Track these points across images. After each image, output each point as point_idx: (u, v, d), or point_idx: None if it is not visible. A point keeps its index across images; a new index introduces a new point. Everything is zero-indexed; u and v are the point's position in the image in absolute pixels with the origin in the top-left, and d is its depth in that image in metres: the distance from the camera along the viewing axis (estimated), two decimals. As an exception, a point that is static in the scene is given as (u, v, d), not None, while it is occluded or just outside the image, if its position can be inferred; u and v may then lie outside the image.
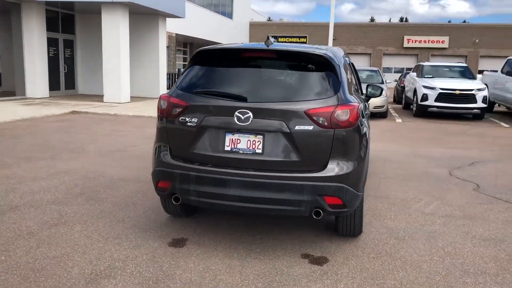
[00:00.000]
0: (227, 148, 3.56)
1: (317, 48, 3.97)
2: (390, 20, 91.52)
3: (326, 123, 3.44)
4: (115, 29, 15.16)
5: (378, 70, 16.19)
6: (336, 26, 43.64)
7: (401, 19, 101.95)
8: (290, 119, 3.44)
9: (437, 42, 42.15)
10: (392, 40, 42.54)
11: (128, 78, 15.97)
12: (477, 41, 41.20)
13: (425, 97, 13.90)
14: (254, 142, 3.52)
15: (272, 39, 3.96)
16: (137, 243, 3.85)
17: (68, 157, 7.03)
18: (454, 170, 6.99)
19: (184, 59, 32.88)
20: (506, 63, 15.56)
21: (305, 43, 42.76)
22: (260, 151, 3.51)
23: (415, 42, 42.49)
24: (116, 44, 15.23)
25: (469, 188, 5.95)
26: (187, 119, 3.63)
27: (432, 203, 5.26)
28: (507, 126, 13.14)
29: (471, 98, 13.57)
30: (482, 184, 6.16)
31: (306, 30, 43.67)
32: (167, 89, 21.39)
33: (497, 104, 16.14)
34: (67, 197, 5.02)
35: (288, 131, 3.44)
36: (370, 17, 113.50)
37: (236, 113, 3.49)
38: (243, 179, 3.49)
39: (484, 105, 13.72)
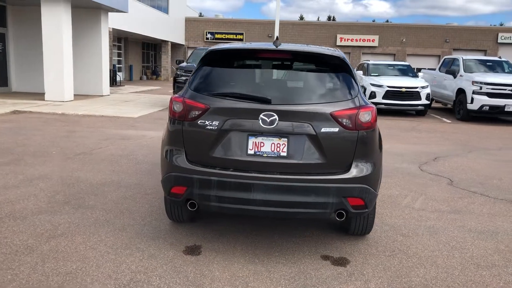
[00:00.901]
0: (250, 152, 3.47)
1: (327, 49, 3.98)
2: (318, 19, 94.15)
3: (350, 125, 3.45)
4: (56, 23, 14.28)
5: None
6: (271, 23, 44.23)
7: (329, 18, 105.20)
8: (316, 121, 3.42)
9: (367, 41, 43.93)
10: (326, 38, 43.71)
11: (72, 76, 15.13)
12: (404, 40, 43.40)
13: (373, 95, 14.41)
14: (278, 145, 3.46)
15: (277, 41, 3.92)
16: (150, 253, 3.65)
17: (33, 161, 6.54)
18: (423, 166, 7.31)
19: (119, 55, 31.73)
20: (442, 62, 16.53)
21: (242, 40, 42.86)
22: (285, 154, 3.45)
23: (347, 40, 43.99)
24: (58, 39, 14.36)
25: (444, 183, 6.25)
26: (207, 122, 3.49)
27: (418, 198, 5.47)
28: (449, 121, 13.95)
29: (415, 95, 14.27)
30: (454, 179, 6.49)
31: (242, 27, 43.72)
32: (110, 86, 20.54)
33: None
34: (52, 206, 4.66)
35: (314, 133, 3.42)
36: (300, 15, 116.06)
37: (261, 116, 3.42)
38: (268, 183, 3.42)
39: (427, 102, 14.48)
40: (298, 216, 3.56)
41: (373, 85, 14.61)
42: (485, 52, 42.14)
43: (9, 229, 4.02)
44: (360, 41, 43.86)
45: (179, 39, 39.49)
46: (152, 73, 37.28)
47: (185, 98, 3.62)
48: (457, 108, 14.23)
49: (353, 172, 3.51)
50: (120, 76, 27.58)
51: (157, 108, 13.96)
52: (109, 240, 3.86)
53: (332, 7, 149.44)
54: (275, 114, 3.40)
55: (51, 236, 3.89)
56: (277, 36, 3.94)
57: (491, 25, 50.30)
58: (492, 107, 12.95)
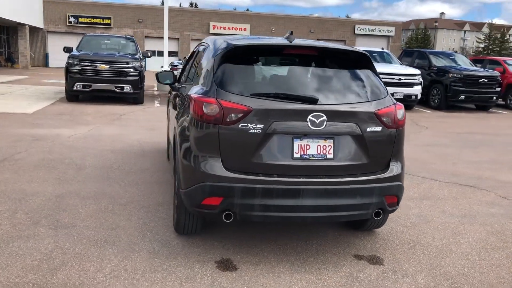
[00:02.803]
0: (296, 155, 3.27)
1: (350, 47, 3.91)
2: (180, 5, 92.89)
3: (390, 123, 3.45)
4: None
5: None
6: (143, 8, 42.47)
7: (191, 4, 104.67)
8: (362, 121, 3.35)
9: (239, 30, 44.68)
10: (199, 25, 43.38)
11: None
12: (273, 30, 45.06)
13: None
14: (324, 147, 3.31)
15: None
16: (185, 275, 3.25)
17: (-51, 174, 5.37)
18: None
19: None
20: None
21: (110, 24, 40.38)
22: (331, 156, 3.32)
23: (220, 28, 44.21)
24: None
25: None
26: (249, 126, 3.19)
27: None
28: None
29: None
30: (399, 165, 6.93)
31: (110, 11, 41.15)
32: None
33: None
34: (21, 229, 3.88)
35: (360, 133, 3.34)
36: (161, 1, 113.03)
37: (310, 117, 3.23)
38: (318, 187, 3.27)
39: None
40: (342, 219, 3.48)
41: None
42: (344, 42, 45.75)
43: (-11, 264, 3.25)
44: (232, 29, 44.36)
45: (37, 22, 35.67)
46: (6, 60, 33.16)
47: (219, 99, 3.25)
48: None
49: (393, 170, 3.52)
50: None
51: (47, 102, 12.47)
52: (126, 264, 3.34)
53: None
54: (324, 115, 3.24)
55: (52, 268, 3.23)
56: (291, 31, 3.74)
57: (347, 16, 54.68)
58: None
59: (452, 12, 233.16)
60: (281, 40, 3.70)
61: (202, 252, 3.63)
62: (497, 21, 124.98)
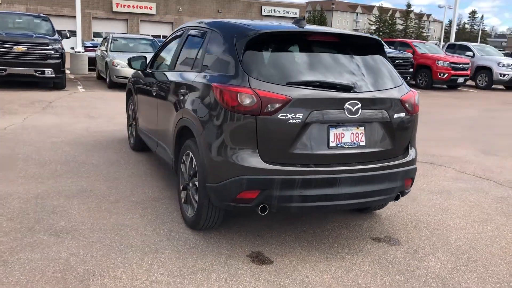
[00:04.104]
0: (332, 144, 3.26)
1: (364, 33, 3.94)
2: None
3: (411, 109, 3.57)
4: None
5: (154, 40, 15.63)
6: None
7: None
8: (390, 107, 3.42)
9: (145, 8, 42.99)
10: (100, 3, 41.00)
11: None
12: (180, 9, 44.01)
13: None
14: (357, 135, 3.34)
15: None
16: (226, 272, 3.12)
17: None
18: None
19: None
20: None
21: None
22: (363, 143, 3.36)
23: (124, 6, 42.20)
24: None
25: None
26: (289, 116, 3.11)
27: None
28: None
29: None
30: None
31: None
32: None
33: None
34: (16, 237, 3.45)
35: (389, 119, 3.42)
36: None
37: (346, 105, 3.23)
38: (354, 175, 3.30)
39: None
40: (372, 204, 3.55)
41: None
42: (252, 23, 46.08)
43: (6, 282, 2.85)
44: (137, 7, 42.58)
45: None
46: None
47: (254, 88, 3.12)
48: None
49: (411, 154, 3.66)
50: None
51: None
52: (159, 268, 3.13)
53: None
54: (359, 103, 3.26)
55: (81, 279, 2.92)
56: (303, 16, 3.68)
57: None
58: None
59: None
60: (301, 27, 3.62)
61: (228, 247, 3.50)
62: (384, 4, 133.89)
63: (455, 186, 5.36)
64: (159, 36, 33.70)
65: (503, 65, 17.85)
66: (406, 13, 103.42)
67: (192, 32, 4.45)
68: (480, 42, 57.36)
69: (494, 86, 18.67)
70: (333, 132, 3.26)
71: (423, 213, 4.44)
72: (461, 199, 4.93)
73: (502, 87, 19.20)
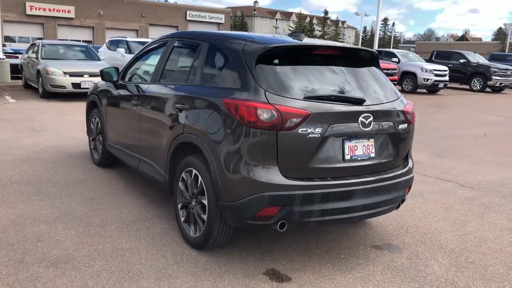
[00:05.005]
0: (347, 157, 3.29)
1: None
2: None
3: (410, 119, 3.69)
4: None
5: (88, 46, 14.80)
6: None
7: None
8: (395, 119, 3.52)
9: (63, 11, 40.84)
10: (12, 5, 38.28)
11: None
12: (101, 13, 42.36)
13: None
14: (368, 147, 3.40)
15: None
16: (250, 293, 3.03)
17: None
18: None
19: None
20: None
21: None
22: (373, 154, 3.43)
23: (39, 9, 39.79)
24: None
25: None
26: (309, 130, 3.09)
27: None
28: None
29: None
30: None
31: None
32: None
33: None
34: (8, 271, 3.11)
35: (394, 131, 3.51)
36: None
37: (361, 118, 3.28)
38: (366, 187, 3.35)
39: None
40: (379, 215, 3.62)
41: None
42: (177, 28, 45.54)
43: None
44: (54, 11, 40.32)
45: None
46: None
47: (274, 103, 3.06)
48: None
49: (410, 163, 3.79)
50: None
51: None
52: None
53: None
54: (371, 115, 3.32)
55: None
56: (298, 30, 3.68)
57: (175, 2, 54.38)
58: None
59: (264, 1, 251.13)
60: (300, 40, 3.62)
61: (241, 266, 3.40)
62: (299, 10, 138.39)
63: (424, 189, 5.63)
64: (79, 41, 32.12)
65: (426, 71, 19.13)
66: (324, 20, 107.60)
67: (179, 43, 4.29)
68: (392, 48, 61.16)
69: (418, 90, 19.93)
70: (347, 145, 3.29)
71: (408, 218, 4.61)
72: (435, 201, 5.18)
73: (425, 91, 20.54)
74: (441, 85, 19.65)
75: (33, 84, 13.37)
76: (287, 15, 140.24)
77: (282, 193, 3.08)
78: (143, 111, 4.34)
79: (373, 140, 3.42)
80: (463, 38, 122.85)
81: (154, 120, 4.12)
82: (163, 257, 3.46)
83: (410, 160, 3.82)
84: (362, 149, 3.36)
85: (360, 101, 3.32)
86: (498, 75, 21.66)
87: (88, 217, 4.14)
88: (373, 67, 3.76)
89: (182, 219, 3.75)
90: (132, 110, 4.56)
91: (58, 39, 34.81)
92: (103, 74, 4.96)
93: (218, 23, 47.90)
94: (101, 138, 5.62)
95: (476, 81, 22.11)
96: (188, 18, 46.13)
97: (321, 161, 3.19)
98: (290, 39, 3.66)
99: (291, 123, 3.05)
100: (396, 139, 3.54)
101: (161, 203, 4.59)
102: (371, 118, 3.32)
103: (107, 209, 4.35)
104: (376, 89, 3.56)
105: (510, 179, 6.28)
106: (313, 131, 3.10)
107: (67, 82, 11.77)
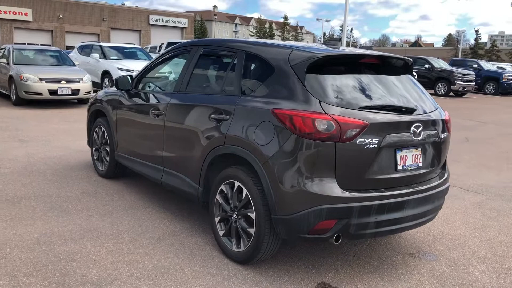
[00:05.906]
0: (399, 167, 3.28)
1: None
2: None
3: (449, 128, 3.73)
4: None
5: (62, 51, 14.19)
6: None
7: None
8: (439, 128, 3.54)
9: (19, 14, 39.26)
10: (-36, 7, 36.51)
11: None
12: (61, 16, 41.02)
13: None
14: (416, 156, 3.40)
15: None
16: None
17: None
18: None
19: None
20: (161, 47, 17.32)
21: None
22: (421, 164, 3.44)
23: (-7, 12, 38.06)
24: None
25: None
26: (366, 141, 3.05)
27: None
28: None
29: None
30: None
31: None
32: None
33: None
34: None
35: (439, 140, 3.53)
36: None
37: (413, 127, 3.27)
38: (417, 197, 3.35)
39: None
40: (425, 223, 3.62)
41: None
42: (139, 32, 44.74)
43: None
44: (10, 13, 38.69)
45: None
46: None
47: (331, 114, 3.01)
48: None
49: (447, 171, 3.82)
50: None
51: None
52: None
53: None
54: (421, 125, 3.32)
55: None
56: (335, 37, 3.65)
57: (136, 6, 53.41)
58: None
59: (222, 6, 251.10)
60: (337, 48, 3.59)
61: (292, 281, 3.32)
62: (257, 15, 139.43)
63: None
64: (37, 45, 30.92)
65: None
66: (284, 25, 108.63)
67: (206, 51, 4.16)
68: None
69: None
70: (399, 155, 3.27)
71: (430, 224, 4.63)
72: (448, 207, 5.25)
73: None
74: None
75: (3, 91, 12.74)
76: (246, 20, 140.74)
77: (341, 205, 3.02)
78: (169, 121, 4.17)
79: (420, 149, 3.42)
80: (416, 43, 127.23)
81: (184, 130, 3.98)
82: (209, 273, 3.33)
83: (447, 169, 3.85)
84: (411, 159, 3.35)
85: (411, 111, 3.32)
86: (461, 80, 22.49)
87: (114, 233, 3.94)
88: (409, 75, 3.77)
89: (221, 233, 3.63)
90: (152, 119, 4.38)
91: (15, 43, 33.44)
92: (118, 82, 4.75)
93: (182, 28, 47.39)
94: (107, 149, 5.38)
95: (440, 86, 22.85)
96: (151, 22, 45.35)
97: (376, 172, 3.15)
98: (330, 48, 3.62)
99: (350, 134, 3.00)
100: (438, 148, 3.56)
101: (185, 216, 4.44)
102: (422, 127, 3.32)
103: (130, 224, 4.16)
104: (419, 98, 3.56)
105: (510, 182, 6.48)
106: (371, 141, 3.06)
107: (43, 88, 11.25)
